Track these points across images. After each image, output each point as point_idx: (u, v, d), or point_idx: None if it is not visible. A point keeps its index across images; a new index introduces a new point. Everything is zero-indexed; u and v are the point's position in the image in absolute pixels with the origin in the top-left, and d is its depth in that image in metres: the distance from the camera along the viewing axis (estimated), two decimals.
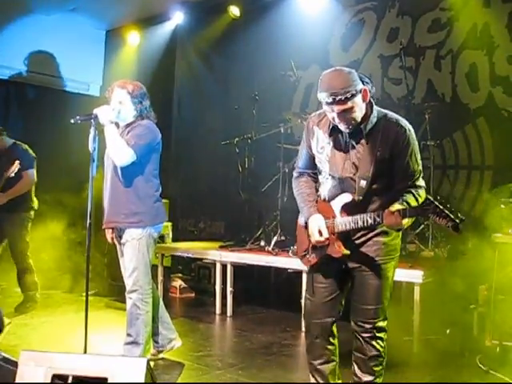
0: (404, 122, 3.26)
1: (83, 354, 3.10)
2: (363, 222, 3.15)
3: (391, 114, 3.30)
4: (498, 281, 5.11)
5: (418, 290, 5.15)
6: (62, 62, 10.18)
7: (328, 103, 3.11)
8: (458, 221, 2.83)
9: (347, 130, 3.21)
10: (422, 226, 6.05)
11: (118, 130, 4.45)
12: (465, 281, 5.40)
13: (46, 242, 7.43)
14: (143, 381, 2.91)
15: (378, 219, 3.09)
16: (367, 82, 3.21)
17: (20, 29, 9.34)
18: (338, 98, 3.05)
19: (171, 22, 9.51)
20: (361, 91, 3.12)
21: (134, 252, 4.46)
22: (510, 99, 6.59)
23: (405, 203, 3.07)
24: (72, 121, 4.20)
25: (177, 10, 9.26)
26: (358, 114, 3.16)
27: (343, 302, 3.49)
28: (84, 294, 7.07)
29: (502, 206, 5.26)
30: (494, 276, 5.13)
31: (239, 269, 6.73)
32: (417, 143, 3.28)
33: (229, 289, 6.46)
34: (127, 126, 4.52)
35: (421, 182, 3.27)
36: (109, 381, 2.91)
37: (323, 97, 3.10)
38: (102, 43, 10.86)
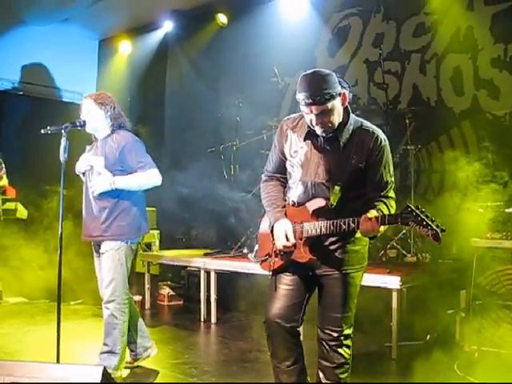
0: (379, 132, 3.21)
1: (40, 362, 3.09)
2: (336, 228, 3.07)
3: (367, 123, 3.25)
4: (477, 285, 5.08)
5: (396, 295, 5.10)
6: (56, 72, 10.29)
7: (307, 104, 3.03)
8: (438, 230, 2.77)
9: (323, 134, 3.15)
10: (404, 231, 6.02)
11: (96, 145, 4.51)
12: (447, 286, 5.38)
13: (33, 250, 7.47)
14: None
15: (352, 225, 3.00)
16: (344, 87, 3.16)
17: (13, 40, 9.45)
18: (317, 99, 2.99)
19: (161, 30, 9.65)
20: (340, 94, 3.09)
21: (114, 262, 4.45)
22: (494, 102, 6.59)
23: (379, 211, 3.00)
24: (42, 131, 4.18)
25: (166, 19, 9.40)
26: (336, 117, 3.10)
27: (305, 310, 3.37)
28: (72, 302, 7.27)
29: (480, 210, 5.23)
30: (472, 281, 5.10)
31: (225, 276, 6.73)
32: (390, 155, 3.23)
33: (213, 296, 6.46)
34: (106, 137, 4.51)
35: (392, 194, 3.22)
36: None
37: (302, 97, 3.02)
38: (95, 53, 10.99)
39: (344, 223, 3.03)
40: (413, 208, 2.82)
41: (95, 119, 4.47)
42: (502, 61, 6.51)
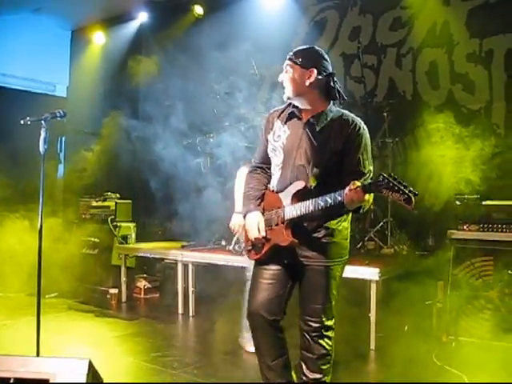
0: (359, 121, 3.29)
1: (24, 356, 3.04)
2: (315, 206, 3.08)
3: (347, 113, 3.33)
4: (454, 277, 5.16)
5: (375, 287, 5.15)
6: (27, 62, 10.05)
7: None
8: (410, 194, 2.78)
9: (284, 98, 3.32)
10: (381, 223, 6.08)
11: None
12: (424, 277, 5.45)
13: (5, 243, 7.38)
14: (85, 381, 2.89)
15: (339, 198, 2.98)
16: (326, 73, 3.27)
17: None
18: (289, 56, 3.30)
19: (136, 21, 9.58)
20: (307, 69, 3.22)
21: None
22: (469, 96, 6.67)
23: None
24: (22, 122, 4.18)
25: (141, 10, 9.33)
26: (291, 85, 3.26)
27: (287, 304, 3.40)
28: (47, 296, 7.18)
29: (457, 202, 5.31)
30: (449, 272, 5.18)
31: (204, 268, 6.71)
32: (369, 143, 3.28)
33: (190, 288, 6.44)
34: None
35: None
36: (50, 382, 2.89)
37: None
38: (68, 43, 10.82)
39: (330, 197, 3.02)
40: (385, 176, 2.84)
41: None
42: (477, 56, 6.61)
